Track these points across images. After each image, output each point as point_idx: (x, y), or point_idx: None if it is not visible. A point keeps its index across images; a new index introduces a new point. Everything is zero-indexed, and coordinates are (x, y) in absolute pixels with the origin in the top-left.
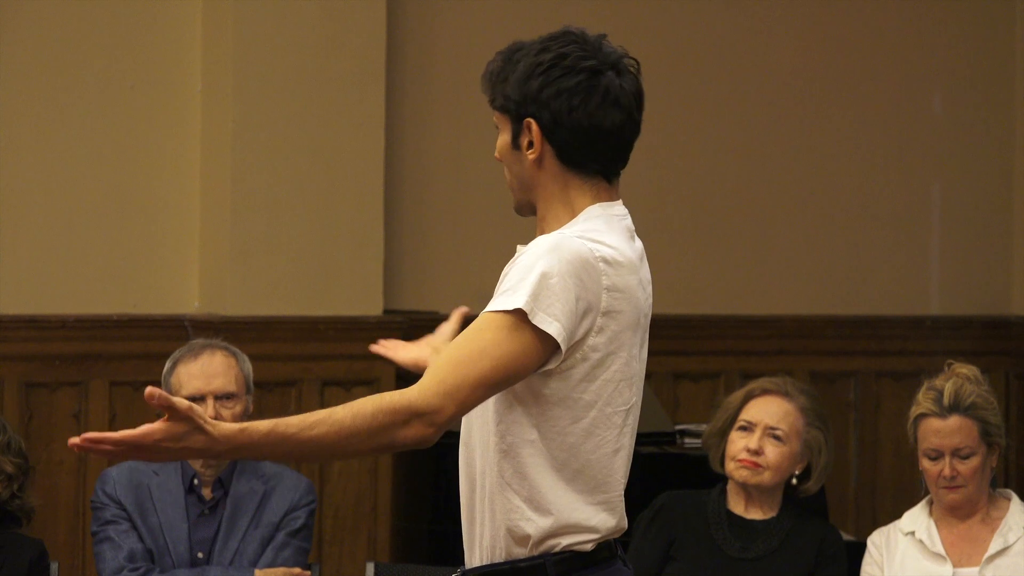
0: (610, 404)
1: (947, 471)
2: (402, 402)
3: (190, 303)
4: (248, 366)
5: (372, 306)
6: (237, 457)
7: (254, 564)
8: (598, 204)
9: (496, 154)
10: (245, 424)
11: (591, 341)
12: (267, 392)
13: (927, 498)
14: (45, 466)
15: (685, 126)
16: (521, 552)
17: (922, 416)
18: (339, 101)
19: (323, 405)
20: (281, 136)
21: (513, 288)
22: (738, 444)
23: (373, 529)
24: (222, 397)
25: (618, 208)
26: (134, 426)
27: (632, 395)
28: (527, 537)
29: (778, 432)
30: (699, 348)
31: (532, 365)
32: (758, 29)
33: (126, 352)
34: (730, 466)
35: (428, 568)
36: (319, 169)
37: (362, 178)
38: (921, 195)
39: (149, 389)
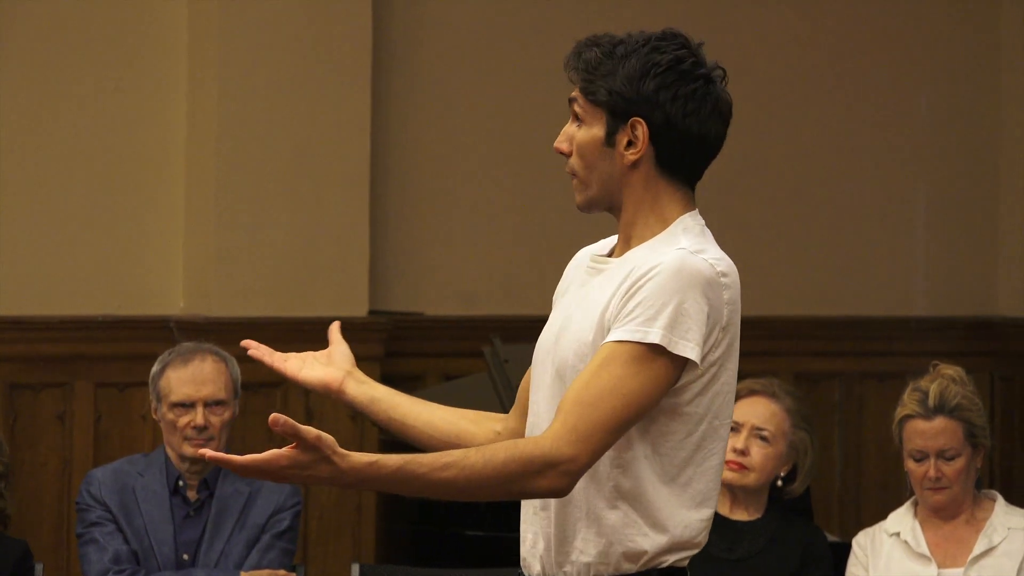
0: (718, 417)
1: (932, 472)
2: (535, 452)
3: (175, 304)
4: (237, 370)
5: (357, 307)
6: (363, 488)
7: (239, 566)
8: (688, 214)
9: (562, 144)
10: (375, 457)
11: (711, 356)
12: (252, 393)
13: (912, 499)
14: (30, 467)
15: None
16: (631, 568)
17: (907, 417)
18: (324, 102)
19: (308, 406)
20: (266, 137)
21: (645, 317)
22: None
23: (358, 530)
24: (212, 404)
25: (701, 218)
26: (117, 427)
27: (733, 407)
28: (642, 553)
29: (764, 433)
30: None
31: (664, 392)
32: (743, 29)
33: (111, 353)
34: None
35: (413, 569)
36: (304, 170)
37: (347, 179)
38: (907, 196)
39: (273, 416)
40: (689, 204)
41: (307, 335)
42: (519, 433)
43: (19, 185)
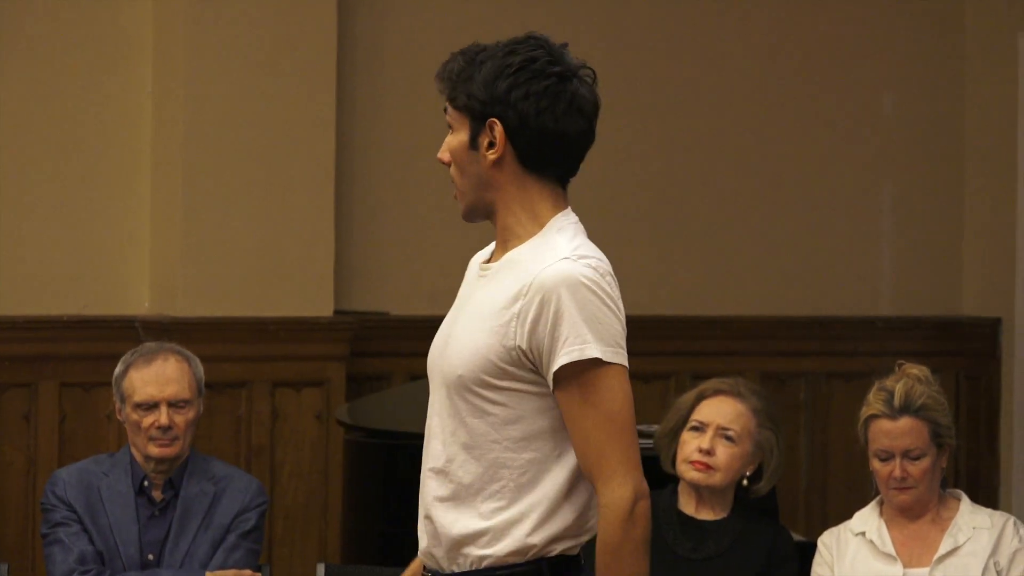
0: None
1: (897, 472)
2: (619, 514)
3: (140, 304)
4: (200, 370)
5: (323, 307)
6: None
7: (205, 566)
8: (561, 214)
9: (443, 154)
10: None
11: None
12: (217, 393)
13: (877, 498)
14: None
15: (636, 127)
16: (518, 559)
17: (873, 417)
18: (290, 102)
19: (273, 406)
20: (232, 137)
21: (573, 337)
22: (690, 445)
23: (324, 530)
24: (176, 403)
25: (574, 216)
26: (83, 426)
27: None
28: (531, 547)
29: (730, 432)
30: (650, 349)
31: (629, 382)
32: (710, 31)
33: (76, 353)
34: (682, 467)
35: (378, 569)
36: (270, 170)
37: (313, 179)
38: (872, 196)
39: None
40: (560, 202)
41: (272, 335)
42: None
43: None
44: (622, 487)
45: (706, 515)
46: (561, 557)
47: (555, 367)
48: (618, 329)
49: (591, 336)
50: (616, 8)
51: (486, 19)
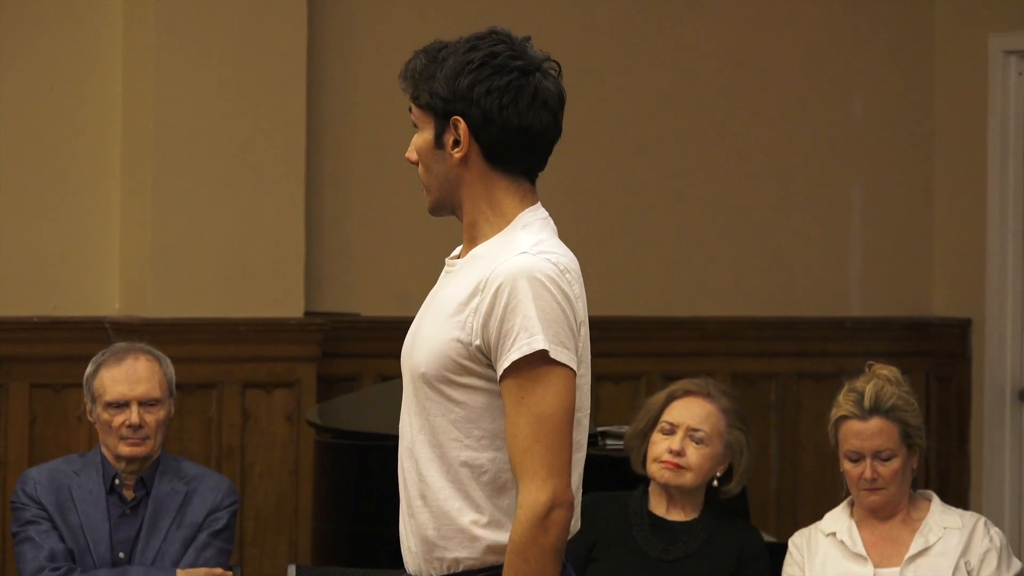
0: (579, 409)
1: (868, 473)
2: (526, 524)
3: (111, 305)
4: (171, 370)
5: (293, 308)
6: None
7: (176, 564)
8: (528, 209)
9: (411, 154)
10: None
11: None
12: (188, 394)
13: (848, 499)
14: None
15: (606, 126)
16: (496, 560)
17: (843, 418)
18: (260, 103)
19: (244, 407)
20: (202, 138)
21: (518, 332)
22: (660, 446)
23: (294, 531)
24: (146, 403)
25: (543, 211)
26: (53, 428)
27: (589, 397)
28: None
29: (700, 433)
30: (620, 350)
31: (574, 385)
32: (676, 30)
33: (46, 354)
34: (652, 468)
35: (349, 570)
36: (240, 171)
37: (283, 180)
38: (842, 197)
39: None
40: (528, 198)
41: (243, 336)
42: None
43: None
44: (540, 491)
45: (677, 516)
46: None
47: (506, 363)
48: (567, 330)
49: (540, 331)
50: (587, 8)
51: (457, 19)
